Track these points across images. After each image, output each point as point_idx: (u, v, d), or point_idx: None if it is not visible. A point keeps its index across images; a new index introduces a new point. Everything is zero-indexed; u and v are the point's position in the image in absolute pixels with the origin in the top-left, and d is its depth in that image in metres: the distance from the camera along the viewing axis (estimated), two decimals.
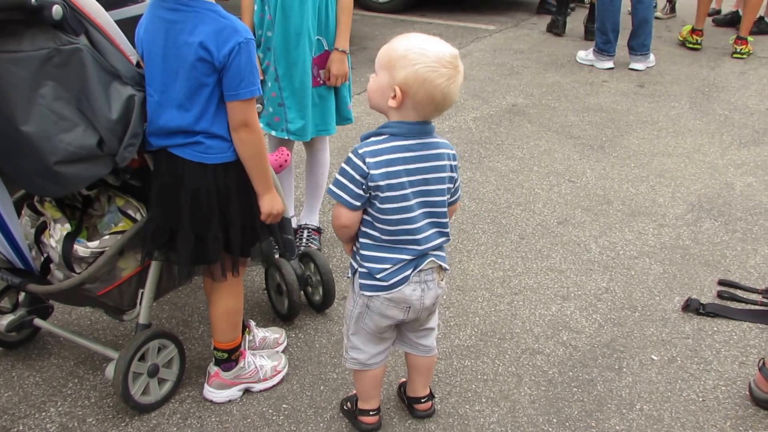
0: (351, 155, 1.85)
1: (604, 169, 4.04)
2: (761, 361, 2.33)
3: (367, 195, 1.86)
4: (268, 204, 2.11)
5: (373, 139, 1.87)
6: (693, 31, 6.24)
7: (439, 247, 1.99)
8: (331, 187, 1.88)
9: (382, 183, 1.84)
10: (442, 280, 2.02)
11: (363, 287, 1.97)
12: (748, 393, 2.37)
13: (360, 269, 1.97)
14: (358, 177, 1.84)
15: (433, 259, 1.97)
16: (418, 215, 1.91)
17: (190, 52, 1.90)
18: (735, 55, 6.08)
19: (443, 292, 2.05)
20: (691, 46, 6.25)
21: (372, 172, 1.83)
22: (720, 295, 2.90)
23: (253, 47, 1.96)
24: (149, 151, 2.06)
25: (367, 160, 1.83)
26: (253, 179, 2.07)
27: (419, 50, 1.78)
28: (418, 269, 1.95)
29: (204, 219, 2.04)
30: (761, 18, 6.69)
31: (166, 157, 2.03)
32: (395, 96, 1.80)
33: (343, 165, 1.86)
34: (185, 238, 2.05)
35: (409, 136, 1.86)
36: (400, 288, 1.94)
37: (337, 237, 2.03)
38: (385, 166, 1.84)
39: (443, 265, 2.00)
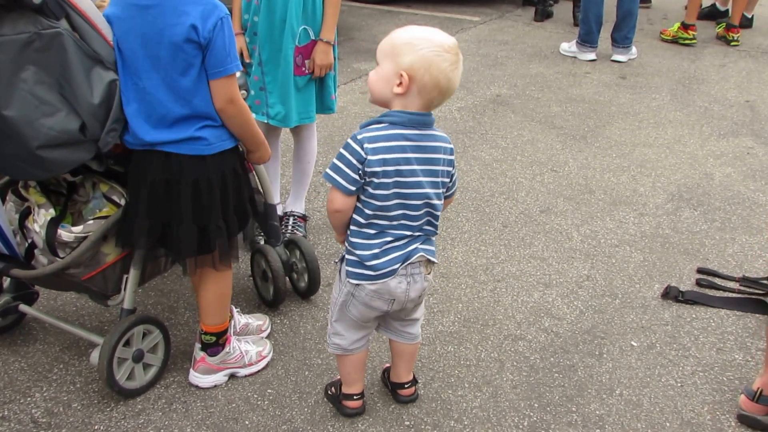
0: (350, 140, 1.86)
1: (586, 158, 4.07)
2: (759, 391, 2.21)
3: (363, 180, 1.87)
4: (258, 156, 2.23)
5: (373, 126, 1.88)
6: (685, 27, 6.21)
7: (427, 240, 2.00)
8: (328, 171, 1.89)
9: (378, 169, 1.85)
10: (429, 273, 2.03)
11: (350, 275, 1.98)
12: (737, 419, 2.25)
13: (348, 257, 1.98)
14: (355, 162, 1.85)
15: (422, 253, 1.98)
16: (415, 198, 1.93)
17: (178, 34, 1.90)
18: (733, 44, 6.24)
19: (429, 285, 2.07)
20: (687, 42, 6.21)
21: (369, 157, 1.84)
22: (698, 283, 2.94)
23: (231, 22, 1.99)
24: (134, 150, 2.05)
25: (365, 145, 1.84)
26: (246, 144, 2.17)
27: (423, 37, 1.84)
28: (407, 262, 1.96)
29: (206, 209, 2.06)
30: (741, 13, 6.75)
31: (156, 155, 2.02)
32: (401, 83, 1.82)
33: (341, 150, 1.87)
34: (188, 230, 2.06)
35: (408, 126, 1.87)
36: (386, 280, 1.95)
37: (331, 224, 2.03)
38: (383, 153, 1.85)
39: (431, 258, 2.02)
